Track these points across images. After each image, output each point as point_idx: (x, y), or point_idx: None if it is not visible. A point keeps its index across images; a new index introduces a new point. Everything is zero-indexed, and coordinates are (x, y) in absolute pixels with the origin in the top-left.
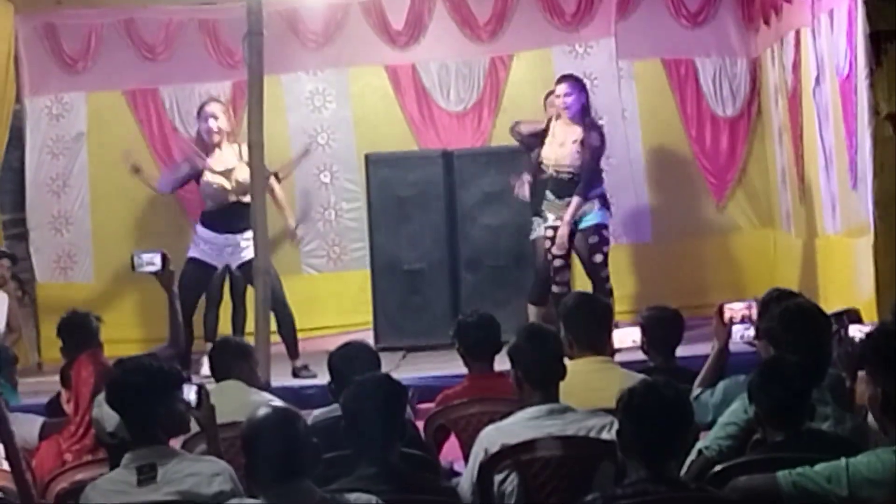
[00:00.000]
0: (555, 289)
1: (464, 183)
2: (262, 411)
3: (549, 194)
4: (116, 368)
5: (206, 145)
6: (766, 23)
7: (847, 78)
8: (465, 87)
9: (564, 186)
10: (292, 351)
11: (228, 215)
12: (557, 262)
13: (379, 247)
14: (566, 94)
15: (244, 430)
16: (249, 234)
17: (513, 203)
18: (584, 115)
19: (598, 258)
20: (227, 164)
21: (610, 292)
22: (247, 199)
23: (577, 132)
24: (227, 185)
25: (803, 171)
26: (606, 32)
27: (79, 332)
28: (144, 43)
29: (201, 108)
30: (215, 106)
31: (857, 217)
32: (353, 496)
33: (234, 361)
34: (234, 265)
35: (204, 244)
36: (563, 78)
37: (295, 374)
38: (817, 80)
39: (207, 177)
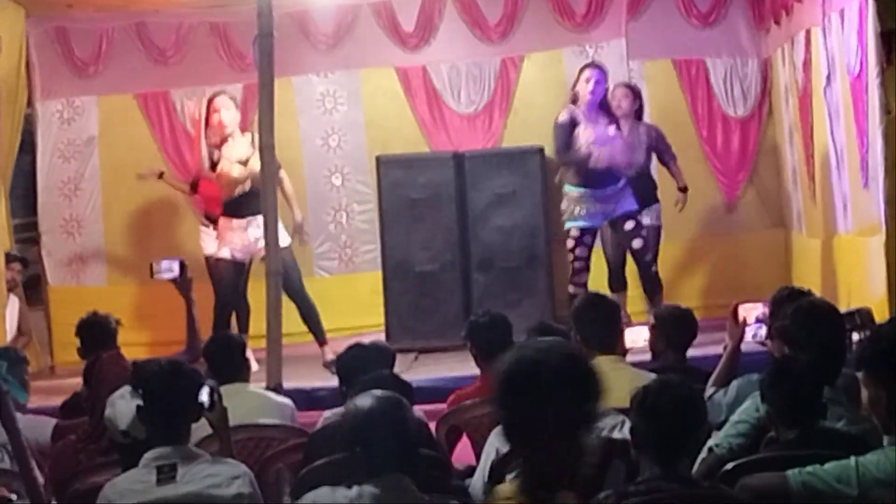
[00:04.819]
0: (571, 289)
1: (475, 184)
2: (370, 399)
3: (582, 190)
4: (153, 365)
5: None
6: (777, 23)
7: (858, 77)
8: (476, 88)
9: (608, 171)
10: (319, 338)
11: (247, 202)
12: (578, 265)
13: (390, 249)
14: (597, 82)
15: (352, 416)
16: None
17: (524, 204)
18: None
19: (637, 243)
20: (242, 152)
21: (656, 276)
22: None
23: (604, 115)
24: (244, 174)
25: (814, 170)
26: (617, 33)
27: (98, 333)
28: (155, 46)
29: (209, 102)
30: (222, 99)
31: (869, 216)
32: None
33: (235, 355)
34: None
35: (232, 235)
36: (594, 65)
37: (326, 367)
38: (828, 79)
39: (224, 166)
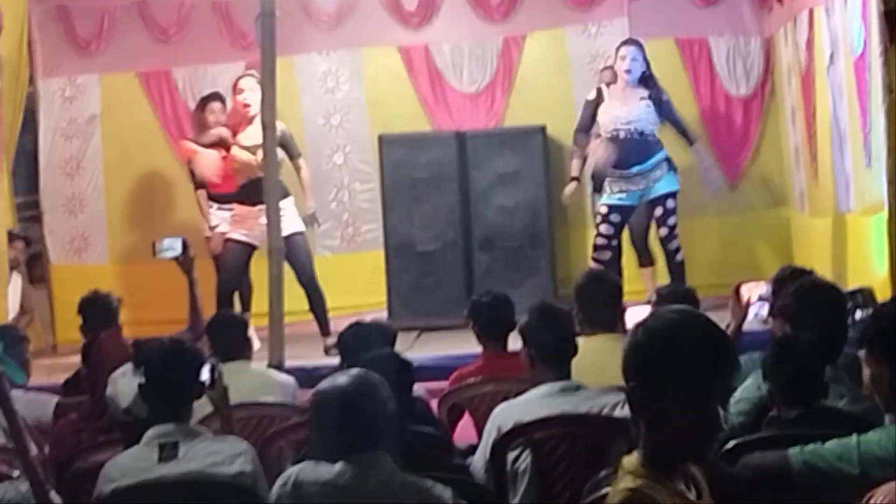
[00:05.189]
0: (592, 265)
1: (477, 164)
2: (341, 379)
3: (613, 171)
4: (155, 343)
5: (239, 118)
6: (780, 1)
7: (861, 56)
8: (478, 67)
9: (633, 150)
10: (323, 328)
11: (257, 189)
12: (600, 241)
13: (392, 228)
14: (632, 59)
15: (319, 396)
16: (282, 203)
17: (526, 184)
18: (645, 78)
19: (663, 231)
20: (256, 139)
21: (681, 265)
22: None
23: (640, 91)
24: (254, 161)
25: (816, 149)
26: (619, 12)
27: (99, 311)
28: (157, 25)
29: (237, 82)
30: (248, 81)
31: (872, 195)
32: (429, 482)
33: (237, 333)
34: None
35: (245, 222)
36: (629, 42)
37: (326, 353)
38: (831, 58)
39: (235, 152)
